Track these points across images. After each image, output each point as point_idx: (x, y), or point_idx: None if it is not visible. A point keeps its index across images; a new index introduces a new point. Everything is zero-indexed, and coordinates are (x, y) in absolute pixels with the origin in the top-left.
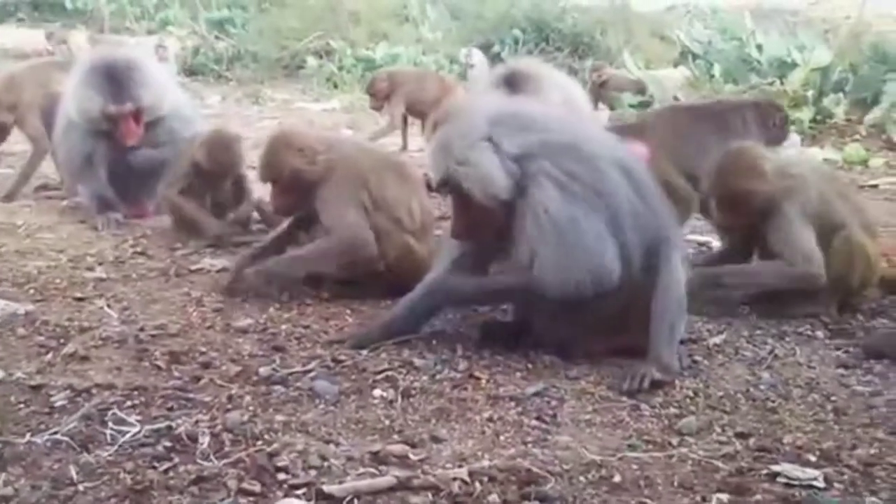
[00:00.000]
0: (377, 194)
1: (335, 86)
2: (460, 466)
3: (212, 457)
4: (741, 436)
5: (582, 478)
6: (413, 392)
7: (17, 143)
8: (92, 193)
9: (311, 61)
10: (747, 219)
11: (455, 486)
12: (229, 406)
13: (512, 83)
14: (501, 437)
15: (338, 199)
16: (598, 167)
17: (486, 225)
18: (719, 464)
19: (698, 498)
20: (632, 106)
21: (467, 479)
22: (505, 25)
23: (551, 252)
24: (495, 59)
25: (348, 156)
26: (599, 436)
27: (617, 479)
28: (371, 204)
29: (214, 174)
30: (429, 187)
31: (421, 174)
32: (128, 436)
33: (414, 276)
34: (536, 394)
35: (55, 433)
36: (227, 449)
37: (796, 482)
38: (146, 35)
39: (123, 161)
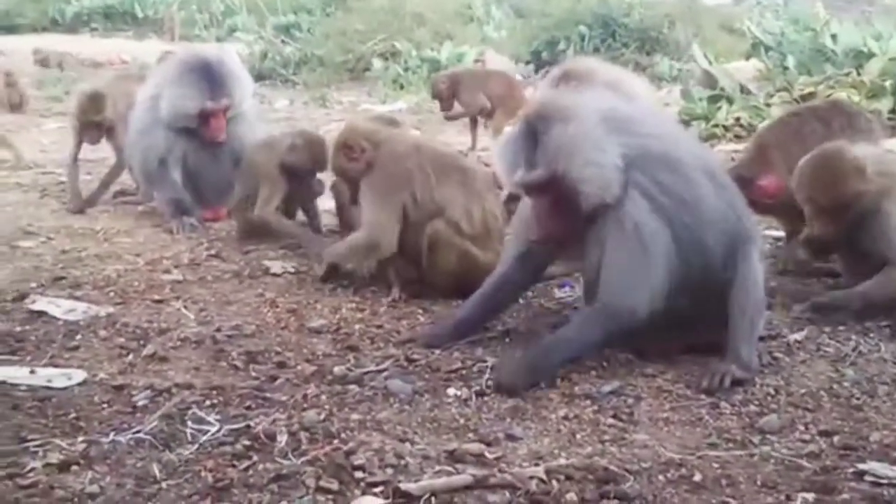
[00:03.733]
0: (424, 195)
1: (401, 87)
2: (537, 465)
3: (290, 455)
4: (825, 434)
5: (661, 476)
6: (487, 391)
7: (93, 151)
8: (167, 198)
9: (377, 63)
10: (844, 223)
11: (532, 485)
12: (305, 405)
13: (567, 83)
14: (578, 436)
15: (372, 197)
16: (687, 176)
17: (574, 229)
18: (803, 462)
19: (782, 497)
20: (702, 100)
21: (544, 477)
22: (570, 22)
23: (623, 273)
24: (561, 56)
25: (394, 153)
26: (678, 434)
27: (697, 477)
28: (413, 204)
29: (304, 173)
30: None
31: (489, 174)
32: (208, 434)
33: (477, 281)
34: (612, 392)
35: (138, 432)
36: (304, 447)
37: (885, 480)
38: (215, 42)
39: (206, 159)
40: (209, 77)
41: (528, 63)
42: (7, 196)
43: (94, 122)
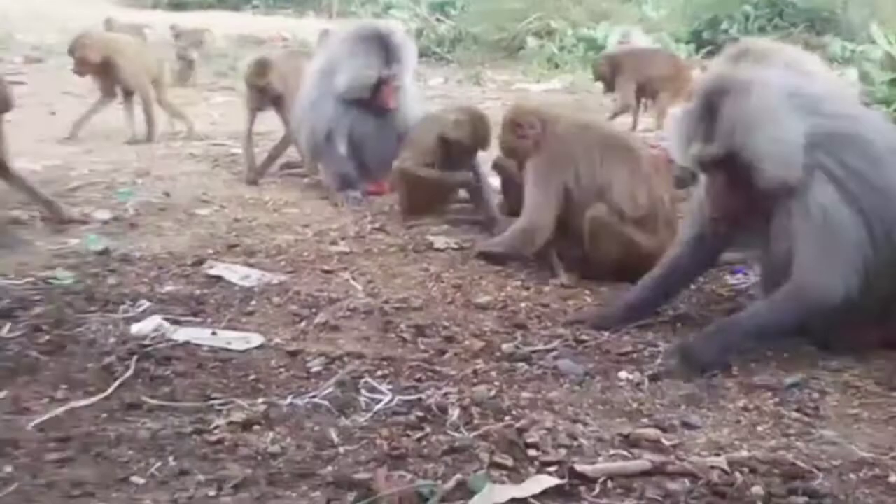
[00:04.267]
0: (587, 176)
1: (556, 66)
2: (717, 455)
3: (462, 429)
4: None
5: (853, 475)
6: (660, 376)
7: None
8: (333, 171)
9: (532, 42)
10: None
11: (714, 475)
12: (475, 380)
13: (744, 61)
14: (759, 428)
15: (534, 178)
16: (878, 159)
17: (754, 210)
18: None
19: None
20: (882, 83)
21: (727, 468)
22: (734, 1)
23: (817, 255)
24: (724, 36)
25: (561, 133)
26: (868, 432)
27: (893, 479)
28: (576, 185)
29: (466, 149)
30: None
31: (658, 156)
32: (381, 404)
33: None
34: (795, 385)
35: (314, 397)
36: (476, 422)
37: None
38: (371, 18)
39: (371, 133)
40: (383, 46)
41: (687, 43)
42: (182, 166)
43: (258, 86)
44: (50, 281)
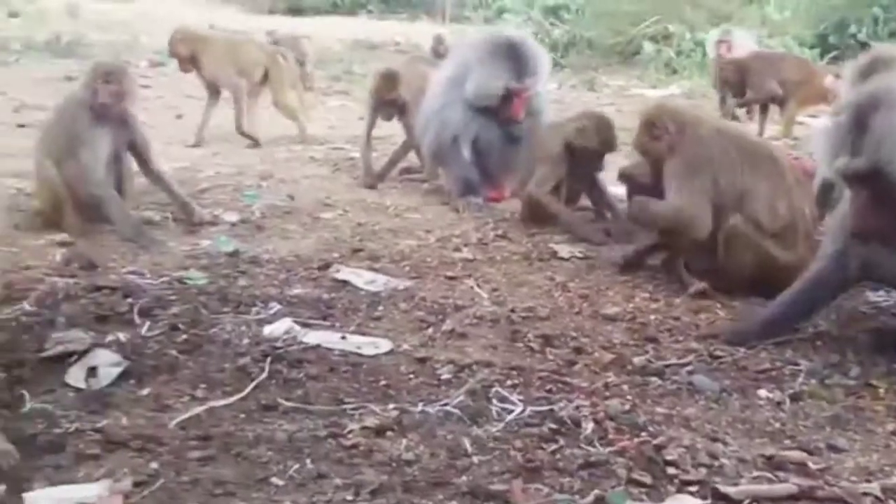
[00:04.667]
0: (727, 181)
1: (673, 71)
2: (868, 481)
3: (596, 443)
4: None
5: None
6: (802, 395)
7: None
8: (456, 176)
9: (648, 46)
10: None
11: (867, 503)
12: (607, 393)
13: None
14: None
15: (677, 180)
16: None
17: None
18: None
19: None
20: None
21: (880, 495)
22: (862, 3)
23: None
24: (851, 41)
25: (700, 137)
26: None
27: None
28: (714, 191)
29: (593, 155)
30: None
31: (798, 166)
32: (513, 414)
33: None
34: None
35: (445, 405)
36: (611, 437)
37: None
38: (483, 24)
39: (496, 140)
40: (515, 57)
41: (812, 48)
42: (304, 169)
43: (387, 99)
44: (184, 281)
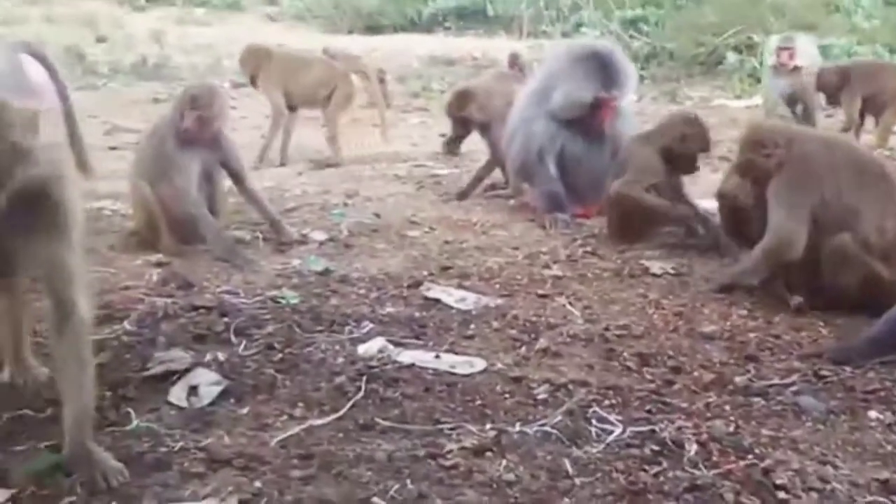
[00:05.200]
0: (834, 198)
1: (757, 81)
2: None
3: (701, 465)
4: None
5: None
6: None
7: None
8: (542, 191)
9: (731, 57)
10: None
11: None
12: (709, 414)
13: None
14: None
15: (780, 199)
16: None
17: None
18: None
19: None
20: None
21: None
22: None
23: None
24: None
25: (807, 153)
26: None
27: None
28: (821, 207)
29: (688, 157)
30: None
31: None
32: (613, 435)
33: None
34: None
35: (543, 425)
36: (715, 459)
37: None
38: (560, 38)
39: (582, 154)
40: (603, 68)
41: None
42: (389, 187)
43: (457, 117)
44: (278, 300)
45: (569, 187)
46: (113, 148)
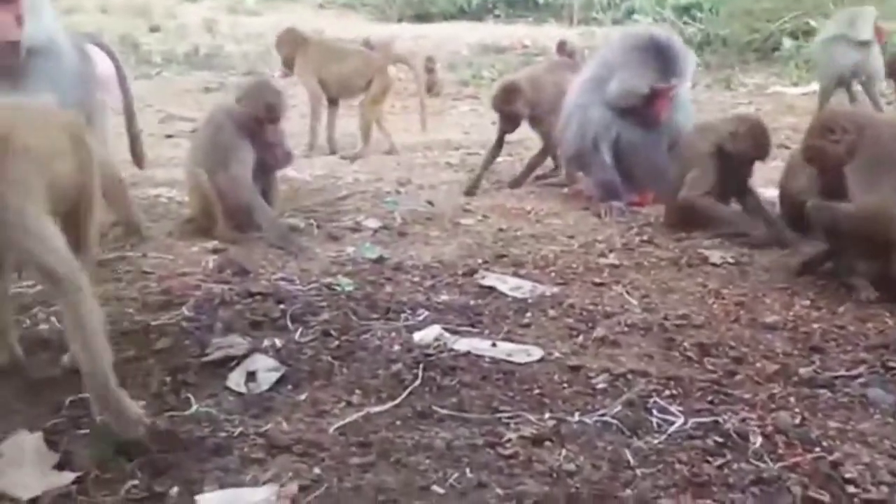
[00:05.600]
0: None
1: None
2: None
3: (766, 458)
4: None
5: None
6: None
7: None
8: (598, 180)
9: (787, 43)
10: None
11: None
12: (773, 406)
13: None
14: None
15: (862, 179)
16: None
17: None
18: None
19: None
20: None
21: None
22: None
23: None
24: None
25: (882, 138)
26: None
27: None
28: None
29: (746, 161)
30: None
31: None
32: (674, 426)
33: None
34: None
35: (603, 415)
36: (780, 451)
37: None
38: (611, 25)
39: (638, 142)
40: (661, 56)
41: None
42: (441, 175)
43: (504, 111)
44: (333, 287)
45: (624, 175)
46: (168, 136)
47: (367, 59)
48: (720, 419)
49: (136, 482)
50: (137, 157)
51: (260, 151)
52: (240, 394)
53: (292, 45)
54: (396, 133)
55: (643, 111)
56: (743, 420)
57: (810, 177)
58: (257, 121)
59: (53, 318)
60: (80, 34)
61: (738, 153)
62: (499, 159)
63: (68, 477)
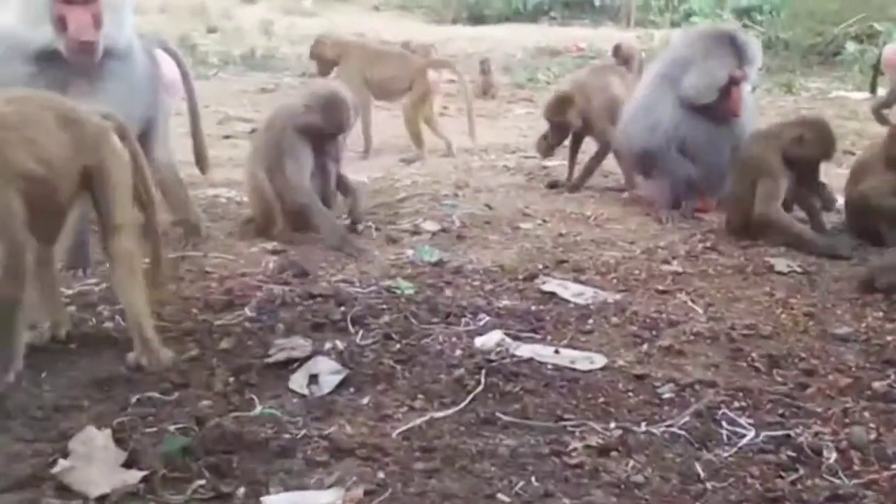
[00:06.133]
0: None
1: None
2: None
3: (841, 474)
4: None
5: None
6: None
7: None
8: (661, 185)
9: (851, 46)
10: None
11: None
12: (847, 420)
13: None
14: None
15: None
16: None
17: None
18: None
19: None
20: None
21: None
22: None
23: None
24: None
25: None
26: None
27: None
28: None
29: (812, 164)
30: None
31: None
32: (745, 439)
33: None
34: None
35: (671, 426)
36: (856, 468)
37: None
38: (669, 27)
39: (704, 146)
40: (734, 45)
41: None
42: (499, 178)
43: (556, 122)
44: (393, 290)
45: (688, 181)
46: (226, 137)
47: (406, 62)
48: (792, 433)
49: (202, 482)
50: (201, 162)
51: (319, 155)
52: (302, 396)
53: (334, 49)
54: (452, 135)
55: (718, 106)
56: (816, 434)
57: (883, 182)
58: (323, 132)
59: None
60: (149, 37)
61: (805, 157)
62: (554, 163)
63: (136, 475)
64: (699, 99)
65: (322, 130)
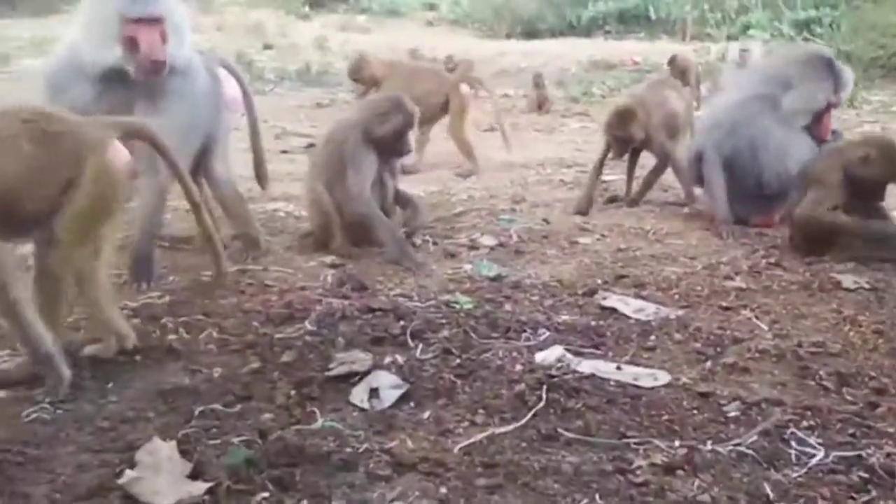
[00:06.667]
0: None
1: None
2: None
3: None
4: None
5: None
6: None
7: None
8: (721, 201)
9: None
10: None
11: None
12: None
13: None
14: None
15: None
16: None
17: None
18: None
19: None
20: None
21: None
22: None
23: None
24: None
25: None
26: None
27: None
28: None
29: (877, 185)
30: None
31: None
32: (815, 459)
33: None
34: None
35: (738, 445)
36: None
37: None
38: (726, 40)
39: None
40: (832, 71)
41: None
42: (555, 193)
43: (618, 136)
44: (452, 304)
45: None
46: (283, 151)
47: (440, 79)
48: (864, 453)
49: (266, 494)
50: (261, 177)
51: (381, 166)
52: (363, 409)
53: (378, 68)
54: (498, 151)
55: (811, 127)
56: (888, 455)
57: None
58: (395, 133)
59: (182, 329)
60: (209, 55)
61: (869, 177)
62: (612, 177)
63: (201, 487)
64: (798, 120)
65: (395, 132)
